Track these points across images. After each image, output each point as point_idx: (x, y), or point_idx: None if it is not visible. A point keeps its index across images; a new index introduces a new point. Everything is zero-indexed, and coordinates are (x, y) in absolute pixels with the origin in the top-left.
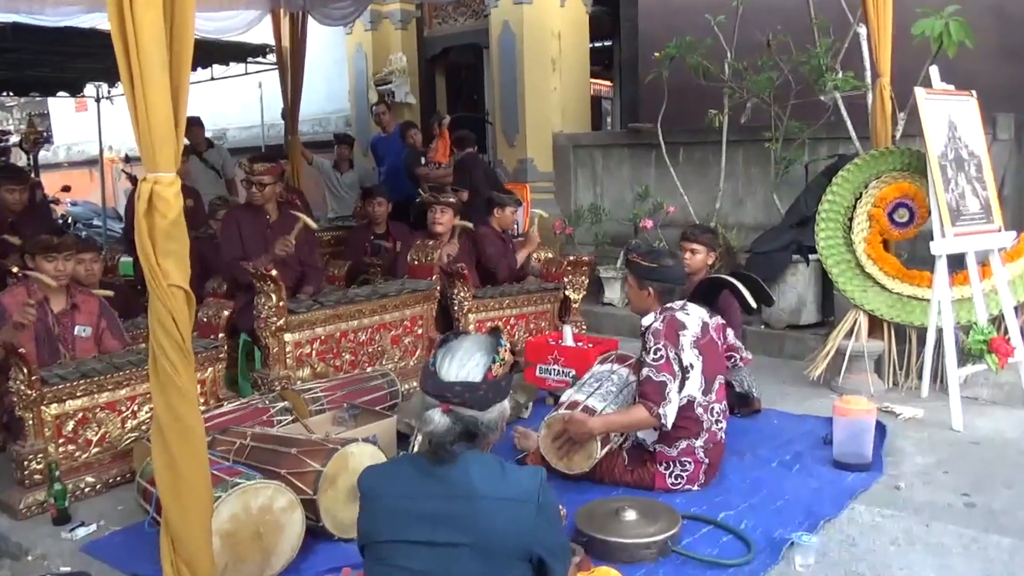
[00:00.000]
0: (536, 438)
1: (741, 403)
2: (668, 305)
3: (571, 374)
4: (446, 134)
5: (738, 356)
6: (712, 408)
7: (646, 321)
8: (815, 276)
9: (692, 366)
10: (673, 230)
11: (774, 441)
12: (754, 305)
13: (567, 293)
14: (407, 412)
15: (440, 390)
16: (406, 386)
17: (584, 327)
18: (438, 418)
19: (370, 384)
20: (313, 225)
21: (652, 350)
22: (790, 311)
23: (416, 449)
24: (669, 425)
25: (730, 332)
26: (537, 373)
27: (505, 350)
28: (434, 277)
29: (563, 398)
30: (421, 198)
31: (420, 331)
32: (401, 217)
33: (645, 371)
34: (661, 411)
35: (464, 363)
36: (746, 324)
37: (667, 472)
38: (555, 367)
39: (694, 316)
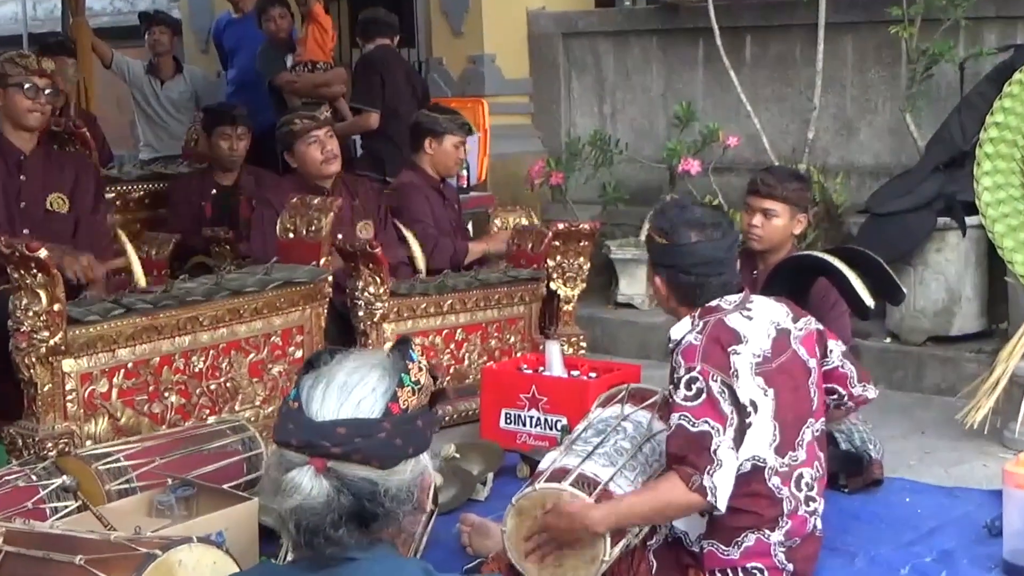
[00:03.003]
0: (499, 534)
1: (849, 469)
2: (712, 304)
3: (560, 423)
4: (320, 13)
5: (846, 391)
6: (798, 478)
7: (676, 332)
8: (976, 253)
9: (756, 406)
10: (735, 177)
11: (906, 532)
12: (871, 303)
13: (554, 286)
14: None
15: (310, 437)
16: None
17: (583, 344)
18: (308, 483)
19: (213, 445)
20: None
21: (684, 382)
22: (934, 313)
23: (289, 554)
24: (722, 505)
25: (832, 346)
26: (502, 423)
27: (420, 369)
28: (323, 261)
29: (544, 464)
30: (284, 120)
31: (299, 354)
32: (263, 159)
33: (676, 417)
34: (707, 482)
35: (349, 391)
36: (859, 336)
37: None
38: (532, 412)
39: (761, 320)
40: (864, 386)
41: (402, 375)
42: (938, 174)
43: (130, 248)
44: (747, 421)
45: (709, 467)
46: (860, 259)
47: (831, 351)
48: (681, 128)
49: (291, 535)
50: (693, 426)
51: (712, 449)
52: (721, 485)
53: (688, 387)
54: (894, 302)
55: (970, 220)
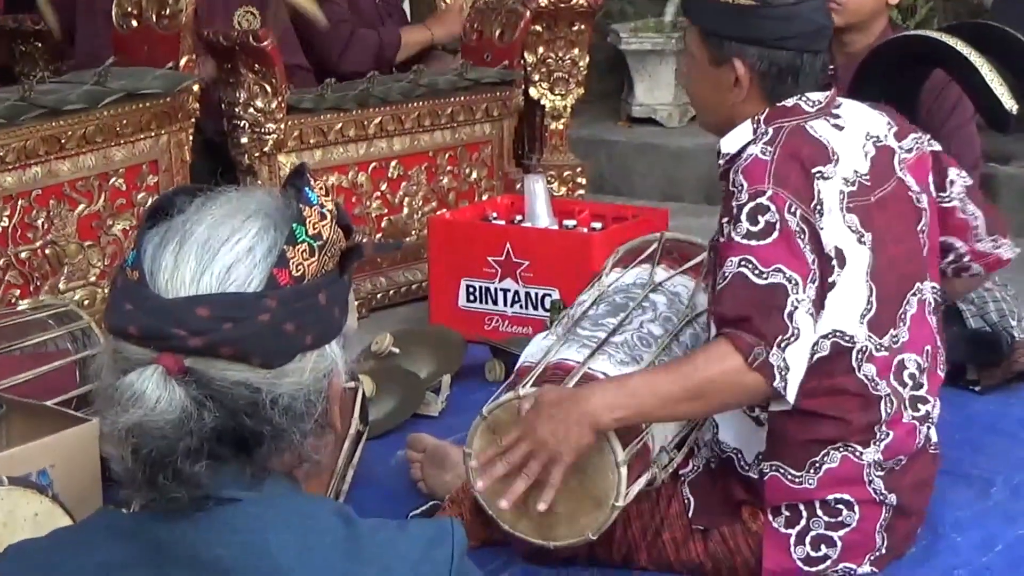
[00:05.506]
0: (462, 463)
1: (982, 358)
2: (788, 103)
3: (549, 299)
4: None
5: (967, 248)
6: (899, 367)
7: (730, 143)
8: None
9: (843, 257)
10: None
11: None
12: (1013, 107)
13: (535, 94)
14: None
15: (157, 322)
16: None
17: (582, 181)
18: (153, 391)
19: (28, 342)
20: None
21: (748, 211)
22: None
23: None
24: (792, 396)
25: (954, 176)
26: (461, 301)
27: (323, 217)
28: (184, 61)
29: (528, 357)
30: None
31: (150, 202)
32: None
33: (733, 263)
34: (775, 358)
35: (215, 253)
36: (994, 161)
37: (793, 535)
38: (507, 284)
39: (855, 131)
40: (996, 240)
41: (294, 226)
42: None
43: None
44: (829, 280)
45: (781, 336)
46: (997, 41)
47: (951, 183)
48: None
49: (125, 466)
50: (760, 276)
51: (786, 311)
52: (795, 365)
53: (753, 219)
54: None
55: None
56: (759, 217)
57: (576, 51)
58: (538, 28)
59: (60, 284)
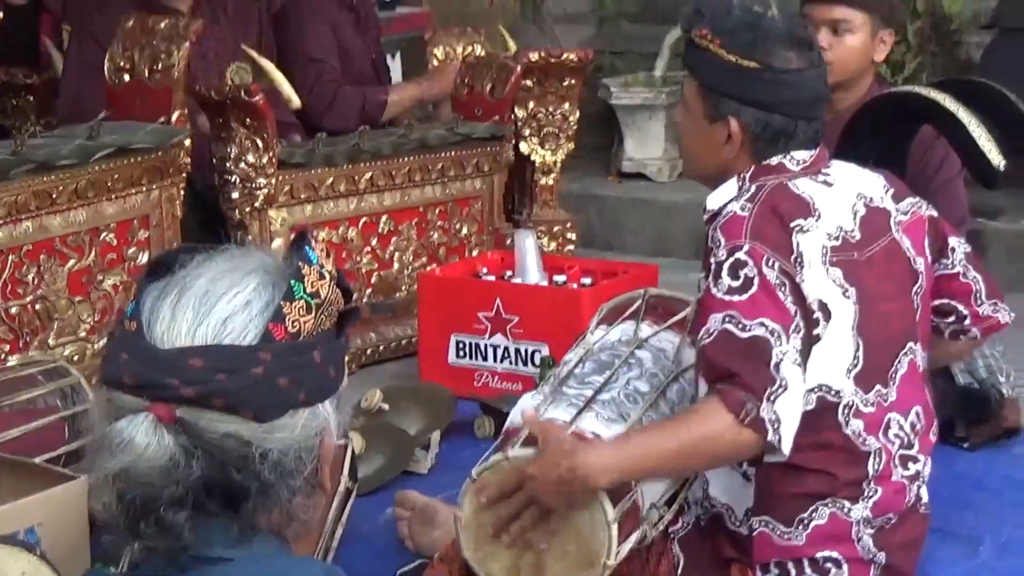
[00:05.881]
0: (451, 522)
1: (971, 415)
2: (772, 161)
3: (539, 355)
4: None
5: (969, 311)
6: (888, 425)
7: (715, 200)
8: None
9: (828, 311)
10: None
11: None
12: (1000, 162)
13: (526, 149)
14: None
15: (151, 372)
16: None
17: (572, 237)
18: (143, 438)
19: (17, 398)
20: None
21: (727, 267)
22: None
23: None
24: (787, 447)
25: (954, 243)
26: (451, 358)
27: (322, 277)
28: (176, 116)
29: (516, 417)
30: None
31: (143, 258)
32: None
33: (717, 320)
34: (766, 412)
35: (212, 305)
36: (982, 215)
37: None
38: (497, 339)
39: (844, 189)
40: (995, 304)
41: (292, 283)
42: None
43: None
44: (815, 332)
45: (769, 389)
46: (984, 97)
47: (952, 250)
48: None
49: (110, 511)
50: (743, 329)
51: (772, 363)
52: (786, 417)
53: (733, 274)
54: None
55: None
56: (738, 272)
57: (566, 106)
58: (529, 83)
59: (50, 339)
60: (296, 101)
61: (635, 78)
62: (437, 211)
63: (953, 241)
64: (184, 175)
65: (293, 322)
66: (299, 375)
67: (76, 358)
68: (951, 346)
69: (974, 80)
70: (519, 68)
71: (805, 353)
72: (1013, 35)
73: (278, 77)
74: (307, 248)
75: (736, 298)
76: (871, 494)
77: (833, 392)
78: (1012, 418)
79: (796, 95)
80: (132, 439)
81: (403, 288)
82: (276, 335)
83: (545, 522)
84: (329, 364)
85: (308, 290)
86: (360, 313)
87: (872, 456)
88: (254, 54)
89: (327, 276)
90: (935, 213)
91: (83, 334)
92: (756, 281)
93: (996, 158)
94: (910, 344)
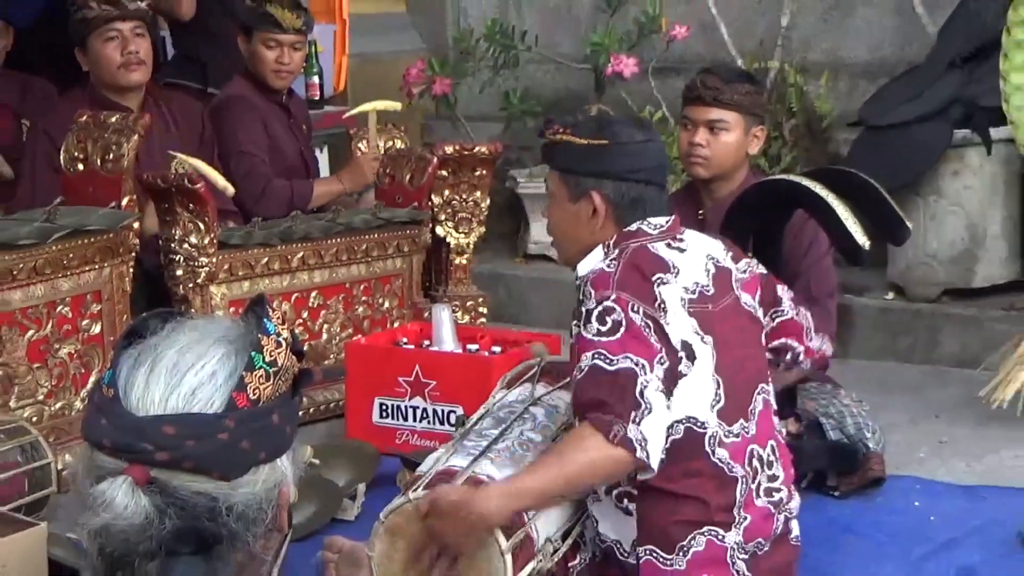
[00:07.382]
0: (368, 558)
1: (840, 466)
2: (632, 227)
3: (453, 415)
4: None
5: (802, 345)
6: (750, 455)
7: (584, 267)
8: (1006, 176)
9: (692, 352)
10: (683, 80)
11: (915, 547)
12: (865, 243)
13: (441, 232)
14: (73, 512)
15: (127, 438)
16: (70, 457)
17: (483, 311)
18: (123, 499)
19: None
20: None
21: (596, 314)
22: (951, 259)
23: None
24: (655, 462)
25: (782, 293)
26: (375, 418)
27: (279, 345)
28: (126, 201)
29: (424, 467)
30: (77, 2)
31: (96, 329)
32: (34, 63)
33: (587, 358)
34: (632, 432)
35: (181, 376)
36: (850, 292)
37: None
38: (416, 402)
39: (696, 253)
40: (822, 337)
41: (253, 354)
42: (955, 72)
43: None
44: (679, 369)
45: (635, 412)
46: (851, 185)
47: (780, 299)
48: (611, 14)
49: (91, 562)
50: (610, 363)
51: (637, 390)
52: (652, 436)
53: (601, 320)
54: (897, 242)
55: (996, 132)
56: (607, 318)
57: (478, 194)
58: (444, 173)
59: (11, 402)
60: (231, 189)
61: (540, 169)
62: (362, 287)
63: (780, 290)
64: (133, 254)
65: (254, 390)
66: (260, 437)
67: (35, 419)
68: (786, 376)
69: (842, 169)
70: (435, 160)
71: (669, 383)
72: (876, 132)
73: (209, 171)
74: (265, 320)
75: (605, 339)
76: (741, 520)
77: (699, 423)
78: (877, 468)
79: (644, 163)
80: (113, 500)
81: (331, 356)
82: (239, 403)
83: (453, 565)
84: (286, 424)
85: (267, 359)
86: (312, 376)
87: (739, 482)
88: (182, 156)
89: (283, 344)
90: (765, 272)
91: (41, 397)
92: (624, 324)
93: (862, 238)
94: (762, 385)
